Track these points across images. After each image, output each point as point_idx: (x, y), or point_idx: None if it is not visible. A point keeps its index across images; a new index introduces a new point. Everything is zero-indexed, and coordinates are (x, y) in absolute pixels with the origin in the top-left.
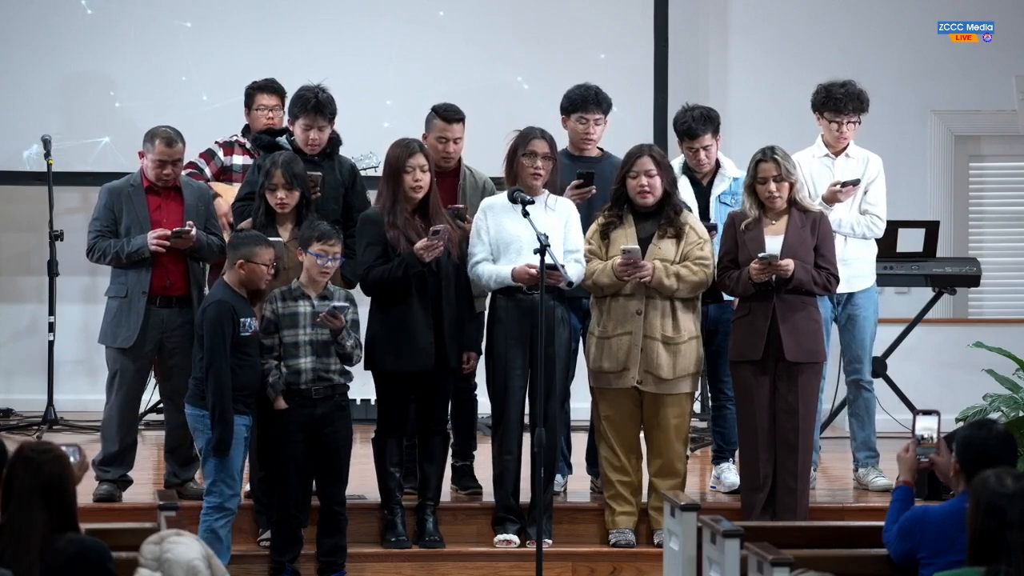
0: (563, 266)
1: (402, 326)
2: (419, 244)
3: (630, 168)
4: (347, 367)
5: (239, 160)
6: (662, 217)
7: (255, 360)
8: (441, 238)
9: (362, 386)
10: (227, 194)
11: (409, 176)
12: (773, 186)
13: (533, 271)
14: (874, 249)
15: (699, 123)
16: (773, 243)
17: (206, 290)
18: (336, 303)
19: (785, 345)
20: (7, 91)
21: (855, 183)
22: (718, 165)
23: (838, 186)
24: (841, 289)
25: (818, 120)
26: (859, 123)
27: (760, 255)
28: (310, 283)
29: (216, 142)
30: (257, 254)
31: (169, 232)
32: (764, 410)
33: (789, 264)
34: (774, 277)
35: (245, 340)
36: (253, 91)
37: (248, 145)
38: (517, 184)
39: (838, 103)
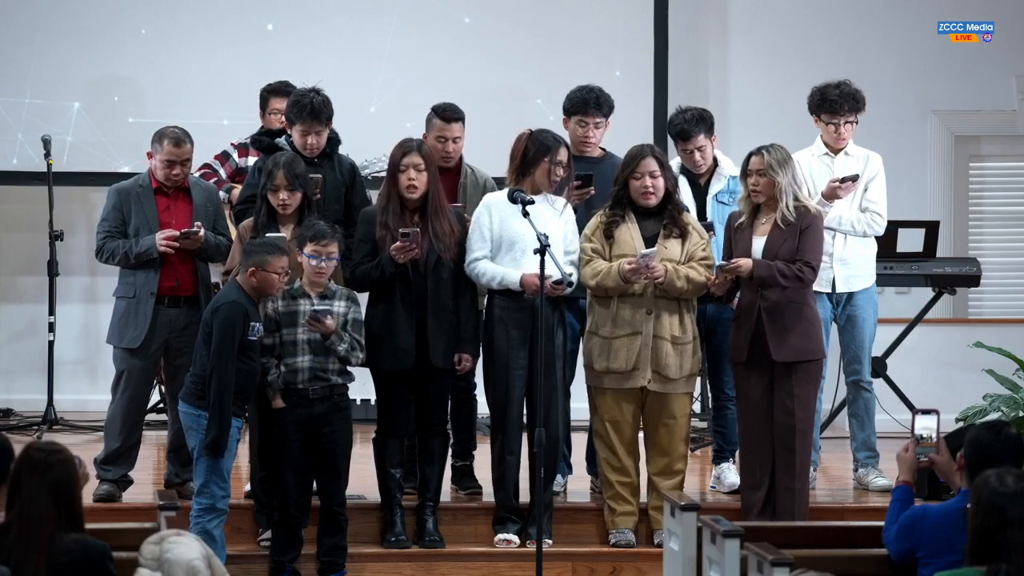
0: (569, 275)
1: (385, 325)
2: (392, 246)
3: (633, 169)
4: (347, 367)
5: (254, 162)
6: (664, 217)
7: (255, 365)
8: (412, 240)
9: (362, 386)
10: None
11: (403, 175)
12: (753, 179)
13: (538, 283)
14: (873, 248)
15: (692, 124)
16: (758, 244)
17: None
18: (318, 307)
19: (771, 345)
20: (7, 91)
21: (854, 179)
22: (716, 164)
23: (837, 182)
24: (840, 289)
25: (815, 122)
26: (856, 123)
27: (717, 264)
28: (310, 283)
29: (232, 144)
30: (269, 263)
31: (177, 233)
32: (759, 410)
33: (744, 263)
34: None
35: (251, 344)
36: (268, 94)
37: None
38: (520, 184)
39: (833, 104)
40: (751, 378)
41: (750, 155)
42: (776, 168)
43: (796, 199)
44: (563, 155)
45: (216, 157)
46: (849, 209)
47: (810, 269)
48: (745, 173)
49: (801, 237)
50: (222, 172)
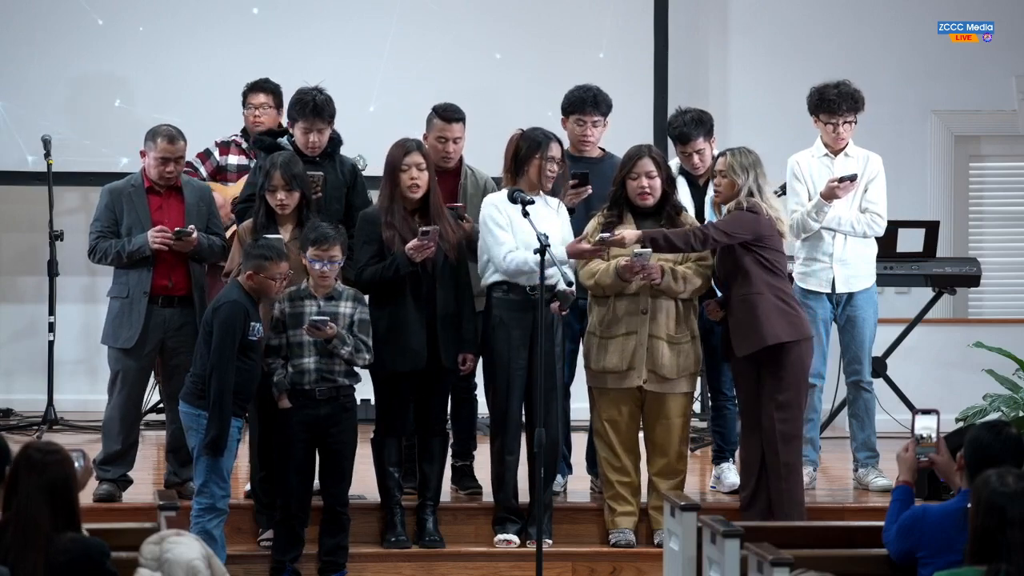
0: (565, 273)
1: (395, 326)
2: (409, 244)
3: (630, 170)
4: (354, 368)
5: (234, 160)
6: (662, 217)
7: (256, 365)
8: (431, 239)
9: (362, 386)
10: (223, 192)
11: (405, 175)
12: (716, 179)
13: (586, 244)
14: (874, 248)
15: (691, 127)
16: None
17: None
18: (315, 317)
19: (732, 342)
20: (7, 91)
21: (852, 178)
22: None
23: (835, 182)
24: (840, 289)
25: (815, 122)
26: (855, 122)
27: (600, 236)
28: (315, 285)
29: (215, 142)
30: (267, 268)
31: (170, 231)
32: (746, 409)
33: (628, 233)
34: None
35: (250, 344)
36: (247, 91)
37: (244, 145)
38: (518, 184)
39: (831, 104)
40: (738, 377)
41: (717, 156)
42: (738, 171)
43: (749, 196)
44: (555, 151)
45: (198, 155)
46: (849, 209)
47: (710, 231)
48: (712, 174)
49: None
50: (203, 170)
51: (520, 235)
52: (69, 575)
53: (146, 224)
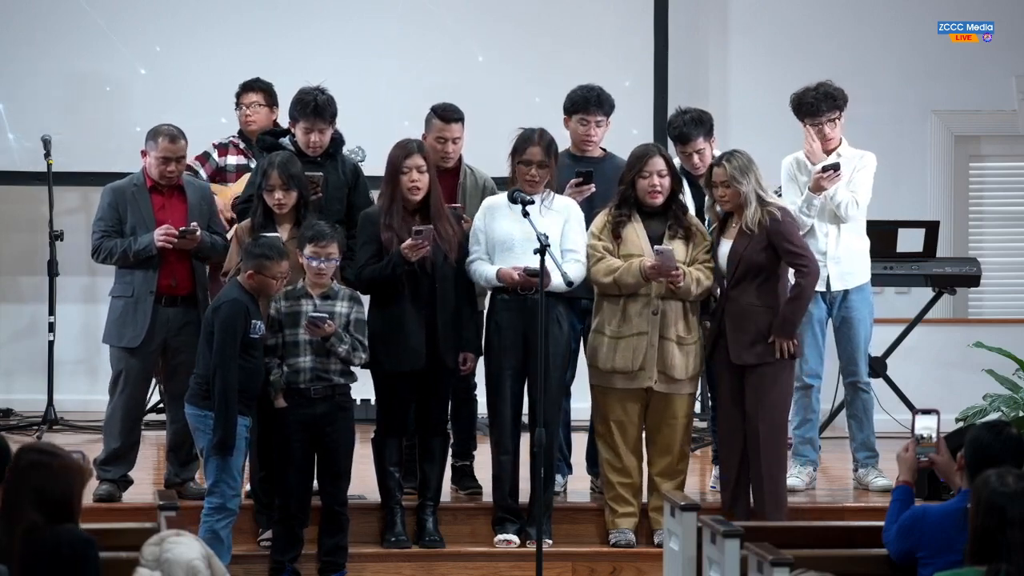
0: (564, 273)
1: (395, 326)
2: (404, 244)
3: (641, 169)
4: (350, 367)
5: (233, 160)
6: (669, 217)
7: (259, 363)
8: (425, 238)
9: (362, 386)
10: (222, 193)
11: (406, 177)
12: (719, 191)
13: (516, 275)
14: (867, 244)
15: (691, 127)
16: (724, 247)
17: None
18: (314, 314)
19: (729, 347)
20: (7, 91)
21: (835, 167)
22: None
23: (820, 173)
24: (835, 287)
25: (804, 128)
26: (839, 119)
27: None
28: (312, 284)
29: (213, 144)
30: (268, 267)
31: (176, 229)
32: (726, 410)
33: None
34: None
35: (252, 342)
36: (239, 91)
37: (242, 145)
38: (517, 184)
39: (811, 107)
40: (721, 377)
41: (711, 167)
42: (739, 177)
43: (762, 202)
44: (534, 155)
45: (197, 158)
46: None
47: (804, 266)
48: (709, 184)
49: (777, 242)
50: (202, 173)
51: (499, 237)
52: (49, 564)
53: (150, 223)
